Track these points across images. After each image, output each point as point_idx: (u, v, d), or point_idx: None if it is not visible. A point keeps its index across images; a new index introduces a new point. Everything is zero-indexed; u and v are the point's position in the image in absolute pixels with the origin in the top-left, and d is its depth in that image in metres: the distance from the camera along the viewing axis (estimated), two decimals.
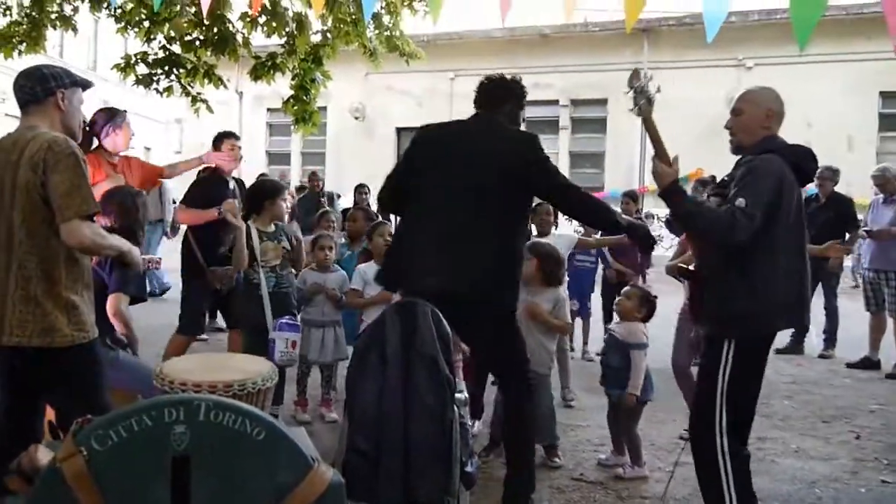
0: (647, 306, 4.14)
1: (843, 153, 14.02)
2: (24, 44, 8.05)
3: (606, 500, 3.79)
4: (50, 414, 2.97)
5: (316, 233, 5.47)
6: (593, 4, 17.40)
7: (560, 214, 5.40)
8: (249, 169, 17.82)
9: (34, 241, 2.59)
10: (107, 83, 18.73)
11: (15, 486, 1.63)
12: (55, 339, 2.62)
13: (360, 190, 9.62)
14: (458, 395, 2.84)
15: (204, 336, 7.40)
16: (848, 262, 12.78)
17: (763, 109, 3.03)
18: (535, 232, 5.50)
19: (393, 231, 4.91)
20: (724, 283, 2.95)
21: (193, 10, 7.08)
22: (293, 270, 4.90)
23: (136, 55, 7.93)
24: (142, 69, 7.91)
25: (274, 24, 7.37)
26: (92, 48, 24.28)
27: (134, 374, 3.54)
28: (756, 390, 3.07)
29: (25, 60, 7.24)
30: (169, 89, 8.03)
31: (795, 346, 7.64)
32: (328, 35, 8.01)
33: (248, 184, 5.76)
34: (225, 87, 8.16)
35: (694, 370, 3.82)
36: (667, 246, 10.67)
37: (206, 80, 7.98)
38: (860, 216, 7.68)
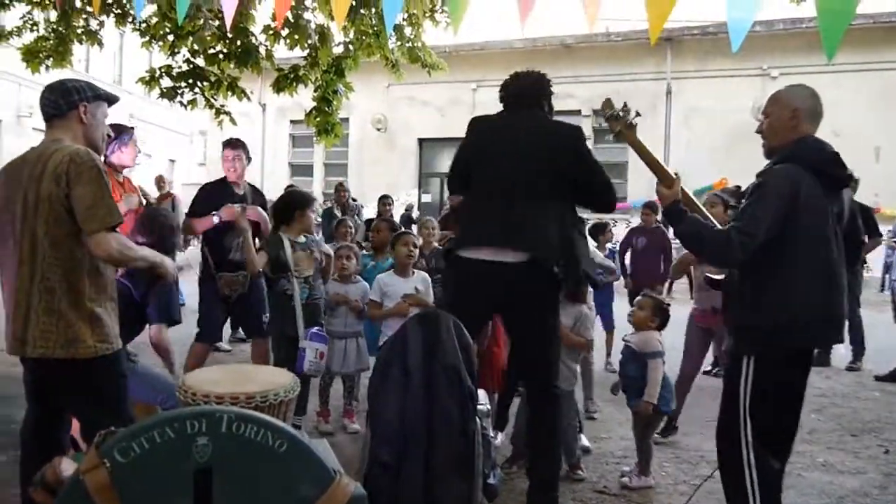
0: (660, 315, 4.11)
1: (871, 164, 13.87)
2: (51, 59, 8.15)
3: None
4: (76, 428, 2.99)
5: (336, 243, 5.49)
6: (616, 14, 17.38)
7: None
8: (273, 180, 18.08)
9: (58, 253, 2.61)
10: (132, 96, 18.98)
11: (39, 498, 1.63)
12: (78, 351, 2.63)
13: (384, 201, 9.63)
14: (480, 407, 2.83)
15: (227, 347, 7.46)
16: (877, 272, 12.62)
17: (788, 110, 2.91)
18: None
19: (416, 242, 4.92)
20: (740, 297, 2.92)
21: (217, 23, 7.14)
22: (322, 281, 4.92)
23: (160, 68, 8.01)
24: (166, 82, 7.99)
25: (296, 37, 7.40)
26: (117, 62, 24.63)
27: (152, 385, 3.56)
28: (789, 406, 2.96)
29: (53, 75, 7.35)
30: (193, 102, 8.11)
31: (822, 358, 7.52)
32: (350, 47, 8.04)
33: (264, 193, 5.80)
34: (248, 99, 8.22)
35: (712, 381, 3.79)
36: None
37: (229, 93, 8.04)
38: (889, 227, 7.57)
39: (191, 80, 7.94)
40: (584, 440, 4.68)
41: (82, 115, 2.77)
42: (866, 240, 7.33)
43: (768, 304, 2.80)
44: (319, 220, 10.96)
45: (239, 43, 7.50)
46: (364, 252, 5.88)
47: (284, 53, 8.25)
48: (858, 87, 14.92)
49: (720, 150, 15.82)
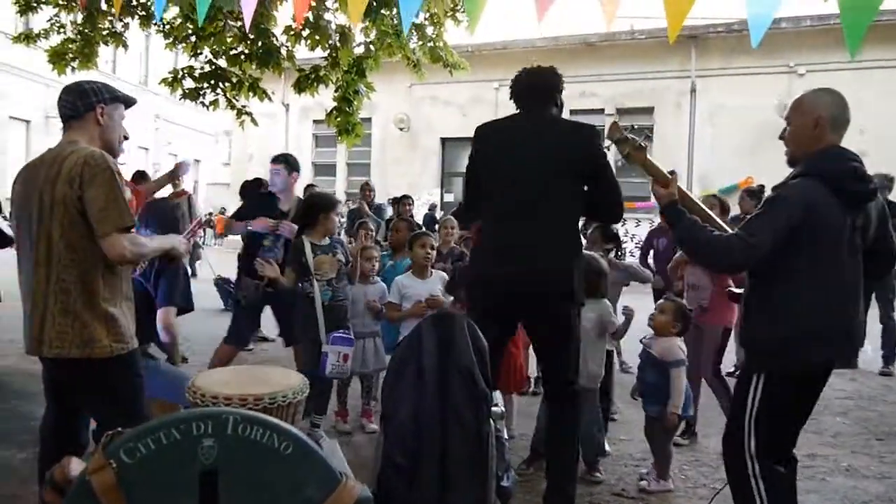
0: (682, 321, 4.05)
1: None
2: (77, 60, 8.24)
3: None
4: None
5: (359, 244, 5.50)
6: (640, 12, 17.27)
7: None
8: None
9: (73, 254, 2.63)
10: (157, 97, 19.17)
11: (49, 498, 1.64)
12: (94, 351, 2.65)
13: (404, 201, 9.63)
14: (494, 409, 2.81)
15: (249, 346, 7.51)
16: None
17: (811, 118, 2.78)
18: None
19: (433, 244, 4.90)
20: (749, 313, 2.88)
21: (238, 24, 7.19)
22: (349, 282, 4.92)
23: (182, 69, 8.09)
24: (188, 83, 8.06)
25: (317, 37, 7.43)
26: (143, 63, 24.93)
27: (174, 384, 3.57)
28: (794, 423, 2.93)
29: (79, 77, 7.44)
30: (215, 103, 8.17)
31: (849, 361, 7.39)
32: (371, 47, 8.06)
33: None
34: (269, 99, 8.26)
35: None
36: None
37: (250, 94, 8.09)
38: None
39: (213, 81, 8.00)
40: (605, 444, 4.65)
41: (99, 116, 2.79)
42: None
43: (777, 321, 2.74)
44: (343, 220, 11.02)
45: (260, 44, 7.54)
46: (382, 252, 5.88)
47: (307, 54, 8.29)
48: (887, 83, 14.66)
49: (745, 149, 15.64)
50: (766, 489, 2.78)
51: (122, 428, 1.67)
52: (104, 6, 7.73)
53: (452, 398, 2.69)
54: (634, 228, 15.85)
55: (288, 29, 7.60)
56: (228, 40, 7.59)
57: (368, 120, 19.32)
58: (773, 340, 2.75)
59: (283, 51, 7.80)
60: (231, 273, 9.87)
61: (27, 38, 8.50)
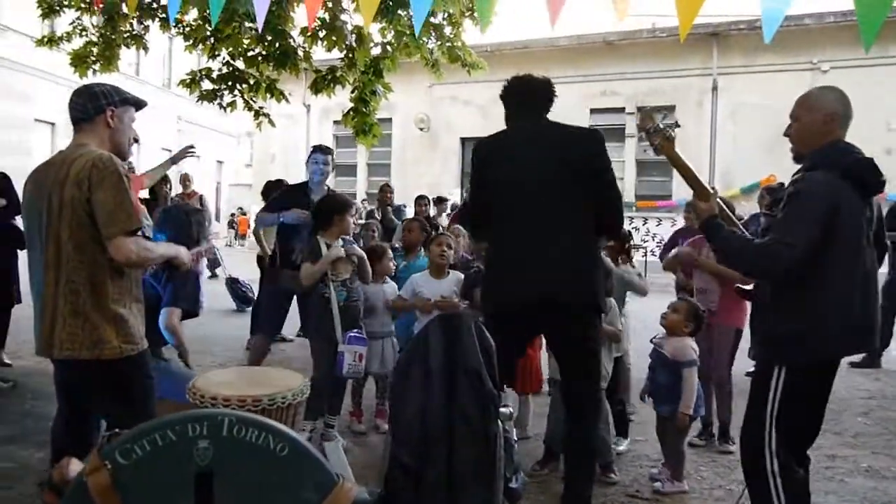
0: (695, 321, 4.01)
1: None
2: (98, 63, 8.31)
3: None
4: None
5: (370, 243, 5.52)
6: (661, 10, 17.14)
7: None
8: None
9: (82, 256, 2.65)
10: (181, 99, 19.33)
11: (47, 499, 1.65)
12: (104, 352, 2.67)
13: (420, 201, 9.63)
14: (502, 410, 2.79)
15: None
16: None
17: (821, 115, 2.81)
18: None
19: (450, 243, 4.89)
20: (772, 306, 2.85)
21: (254, 25, 7.21)
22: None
23: (200, 71, 8.13)
24: (206, 85, 8.10)
25: (333, 38, 7.44)
26: (167, 66, 25.16)
27: (184, 385, 3.59)
28: (816, 416, 2.91)
29: (101, 79, 7.51)
30: (232, 104, 8.21)
31: (872, 360, 7.30)
32: (388, 47, 8.06)
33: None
34: (287, 101, 8.28)
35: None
36: None
37: (268, 95, 8.12)
38: None
39: (230, 83, 8.04)
40: (623, 445, 4.62)
41: (109, 119, 2.81)
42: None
43: (804, 314, 2.73)
44: (361, 221, 11.03)
45: (277, 45, 7.56)
46: (396, 253, 5.89)
47: (325, 55, 8.31)
48: None
49: (768, 147, 15.43)
50: (784, 487, 2.75)
51: None
52: (125, 9, 7.79)
53: (459, 398, 2.67)
54: (656, 227, 15.75)
55: (304, 30, 7.61)
56: (245, 42, 7.62)
57: (388, 120, 19.36)
58: (801, 333, 2.73)
59: (300, 52, 7.82)
60: (246, 274, 9.97)
61: (50, 41, 8.59)
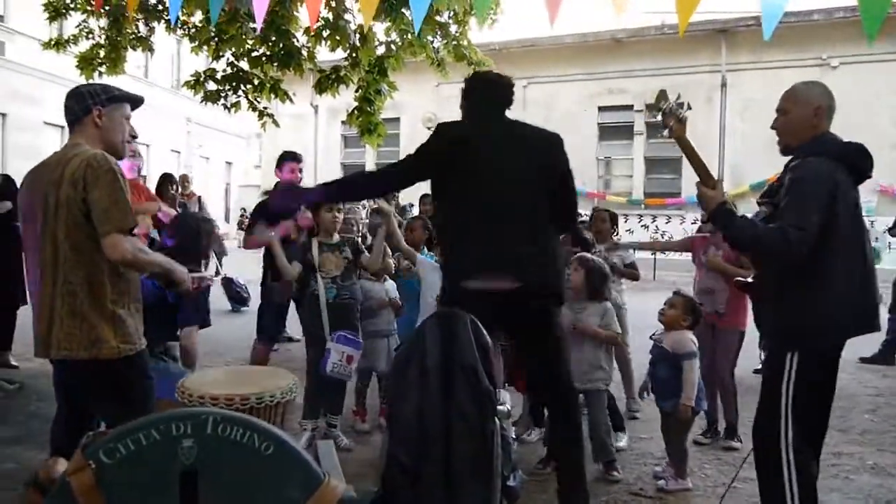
0: (692, 314, 4.01)
1: None
2: (105, 66, 8.34)
3: None
4: None
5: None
6: (667, 7, 17.08)
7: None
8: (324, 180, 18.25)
9: (79, 256, 2.64)
10: (189, 100, 19.37)
11: (32, 498, 1.65)
12: (102, 351, 2.66)
13: (424, 200, 9.62)
14: (499, 408, 2.77)
15: (274, 346, 7.56)
16: None
17: (810, 108, 2.90)
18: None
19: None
20: (781, 294, 2.84)
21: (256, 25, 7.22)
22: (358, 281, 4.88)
23: (204, 72, 8.14)
24: (211, 86, 8.11)
25: (337, 38, 7.43)
26: (175, 67, 25.24)
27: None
28: (827, 402, 2.94)
29: (109, 82, 7.53)
30: (236, 105, 8.21)
31: (886, 357, 7.24)
32: (392, 47, 8.05)
33: None
34: (291, 101, 8.27)
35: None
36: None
37: (272, 95, 8.11)
38: None
39: (234, 83, 8.04)
40: (623, 441, 4.60)
41: (97, 118, 2.80)
42: None
43: (815, 299, 2.75)
44: (367, 219, 11.03)
45: (281, 45, 7.56)
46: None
47: (329, 55, 8.30)
48: None
49: (776, 143, 15.37)
50: (800, 484, 2.75)
51: None
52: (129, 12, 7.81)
53: (456, 396, 2.66)
54: (665, 225, 15.67)
55: (308, 30, 7.61)
56: (249, 42, 7.63)
57: (396, 120, 19.37)
58: (811, 321, 2.76)
59: (304, 52, 7.82)
60: (246, 274, 9.96)
61: (57, 44, 8.63)
